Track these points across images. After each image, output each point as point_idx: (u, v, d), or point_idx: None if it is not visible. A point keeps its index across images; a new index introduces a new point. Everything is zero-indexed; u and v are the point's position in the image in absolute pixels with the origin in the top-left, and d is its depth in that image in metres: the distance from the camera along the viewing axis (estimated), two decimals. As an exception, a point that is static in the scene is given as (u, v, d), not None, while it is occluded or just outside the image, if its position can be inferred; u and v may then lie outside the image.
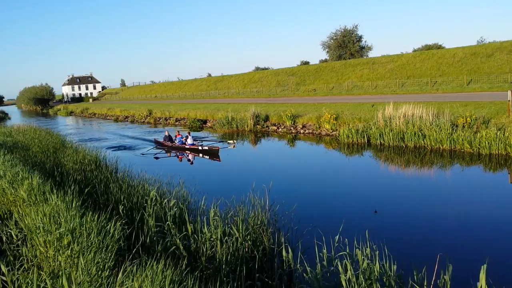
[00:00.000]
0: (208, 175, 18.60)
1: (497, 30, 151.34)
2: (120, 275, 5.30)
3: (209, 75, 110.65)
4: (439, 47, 66.52)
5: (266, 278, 6.97)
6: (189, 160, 22.78)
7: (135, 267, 5.55)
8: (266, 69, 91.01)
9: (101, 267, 5.63)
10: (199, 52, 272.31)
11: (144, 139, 32.37)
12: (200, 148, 23.56)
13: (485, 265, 5.08)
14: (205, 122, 42.14)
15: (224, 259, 7.05)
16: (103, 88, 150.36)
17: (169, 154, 24.32)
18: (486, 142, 18.11)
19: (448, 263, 5.76)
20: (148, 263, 5.67)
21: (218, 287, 6.27)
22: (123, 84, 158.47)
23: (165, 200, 9.37)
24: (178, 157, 23.54)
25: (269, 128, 33.27)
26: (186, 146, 24.40)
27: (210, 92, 76.31)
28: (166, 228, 8.07)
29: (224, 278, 6.63)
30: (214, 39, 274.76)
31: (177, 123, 45.52)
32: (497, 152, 17.75)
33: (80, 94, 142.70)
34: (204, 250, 7.40)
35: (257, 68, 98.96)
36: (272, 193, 9.96)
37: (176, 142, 25.43)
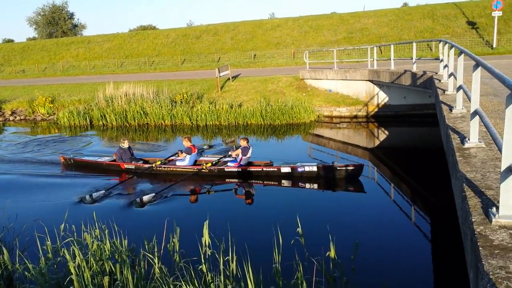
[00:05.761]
0: None
1: (202, 15, 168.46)
2: None
3: None
4: (153, 28, 69.26)
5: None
6: (248, 193, 11.36)
7: None
8: (-45, 46, 74.64)
9: None
10: None
11: None
12: (294, 169, 11.31)
13: (207, 221, 5.54)
14: None
15: None
16: None
17: (131, 191, 11.57)
18: (202, 115, 20.11)
19: (175, 226, 6.06)
20: None
21: None
22: None
23: None
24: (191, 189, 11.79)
25: (-33, 117, 27.67)
26: (231, 169, 11.93)
27: None
28: None
29: None
30: None
31: None
32: (211, 123, 19.95)
33: None
34: None
35: None
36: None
37: (183, 160, 12.81)
